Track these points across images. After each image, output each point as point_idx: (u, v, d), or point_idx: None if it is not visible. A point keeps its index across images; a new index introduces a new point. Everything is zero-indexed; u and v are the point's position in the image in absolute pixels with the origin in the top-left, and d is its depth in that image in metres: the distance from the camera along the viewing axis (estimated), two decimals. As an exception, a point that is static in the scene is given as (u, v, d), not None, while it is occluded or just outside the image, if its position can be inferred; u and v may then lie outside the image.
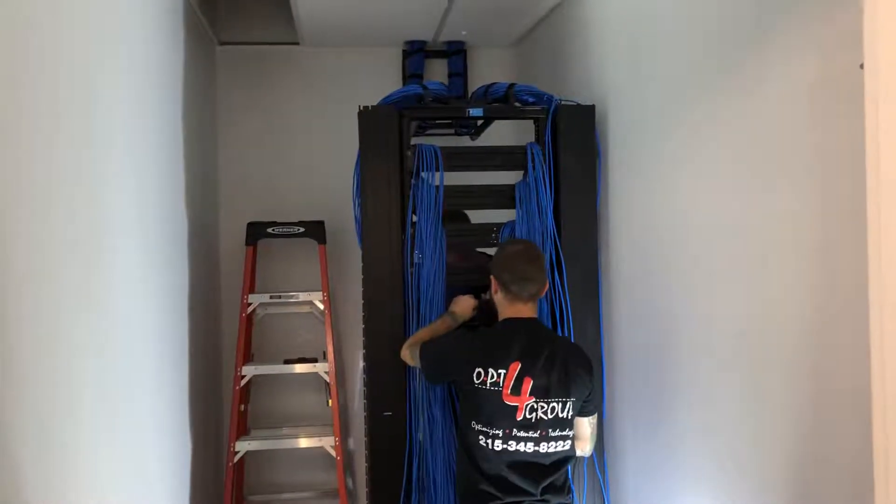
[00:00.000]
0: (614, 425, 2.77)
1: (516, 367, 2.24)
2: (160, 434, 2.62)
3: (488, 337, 2.38)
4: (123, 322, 2.15)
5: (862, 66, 1.17)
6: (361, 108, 2.74)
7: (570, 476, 2.42)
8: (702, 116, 2.14)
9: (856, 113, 1.21)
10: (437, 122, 3.59)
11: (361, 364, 2.77)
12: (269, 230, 3.53)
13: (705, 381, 2.14)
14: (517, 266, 2.34)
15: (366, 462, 2.81)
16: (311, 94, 4.00)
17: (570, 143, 2.80)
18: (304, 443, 3.52)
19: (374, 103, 2.78)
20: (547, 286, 2.42)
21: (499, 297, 2.39)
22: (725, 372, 2.03)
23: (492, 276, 2.40)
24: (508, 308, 2.37)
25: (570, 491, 2.36)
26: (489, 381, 2.24)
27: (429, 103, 2.80)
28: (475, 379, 2.26)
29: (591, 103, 2.85)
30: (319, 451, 3.63)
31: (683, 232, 2.26)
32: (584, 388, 2.31)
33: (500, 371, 2.24)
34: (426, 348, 2.47)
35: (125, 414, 2.15)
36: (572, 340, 2.69)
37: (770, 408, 1.81)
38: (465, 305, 2.62)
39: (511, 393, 2.23)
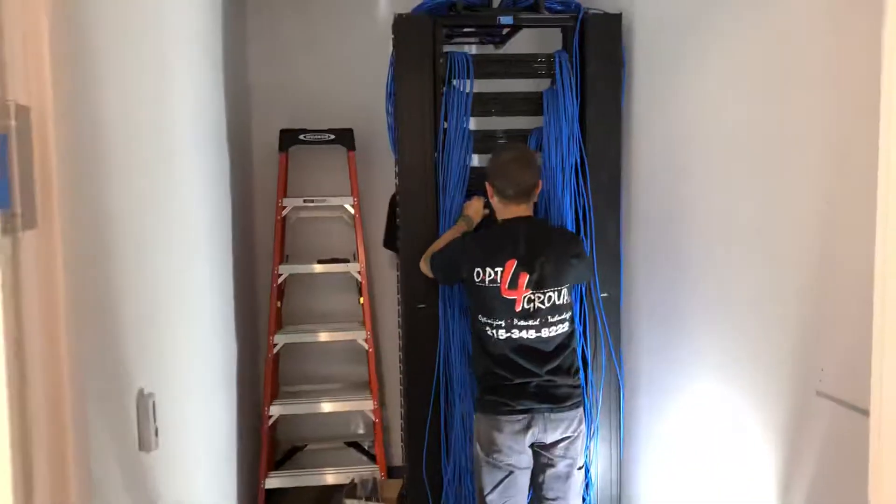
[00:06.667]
0: (630, 313, 2.99)
1: (512, 265, 2.49)
2: (211, 331, 2.84)
3: (486, 239, 2.60)
4: (184, 221, 2.35)
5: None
6: (397, 15, 2.83)
7: (578, 360, 2.66)
8: (722, 21, 2.23)
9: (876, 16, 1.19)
10: (464, 30, 3.65)
11: (396, 262, 2.95)
12: (301, 137, 3.66)
13: (718, 273, 2.29)
14: (510, 173, 2.54)
15: (399, 351, 3.05)
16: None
17: (597, 50, 2.90)
18: (337, 336, 3.75)
19: (407, 11, 2.86)
20: (541, 186, 2.61)
21: (495, 201, 2.60)
22: (737, 266, 2.17)
23: (486, 182, 2.58)
24: (504, 210, 2.59)
25: (577, 373, 2.61)
26: (488, 279, 2.50)
27: (461, 11, 2.88)
28: (475, 278, 2.52)
29: (617, 12, 2.93)
30: (349, 346, 3.88)
31: (706, 132, 2.36)
32: (575, 272, 2.58)
33: (496, 269, 2.49)
34: (435, 258, 2.72)
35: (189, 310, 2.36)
36: (592, 241, 2.88)
37: (778, 296, 1.95)
38: (475, 208, 2.82)
39: (508, 288, 2.49)
